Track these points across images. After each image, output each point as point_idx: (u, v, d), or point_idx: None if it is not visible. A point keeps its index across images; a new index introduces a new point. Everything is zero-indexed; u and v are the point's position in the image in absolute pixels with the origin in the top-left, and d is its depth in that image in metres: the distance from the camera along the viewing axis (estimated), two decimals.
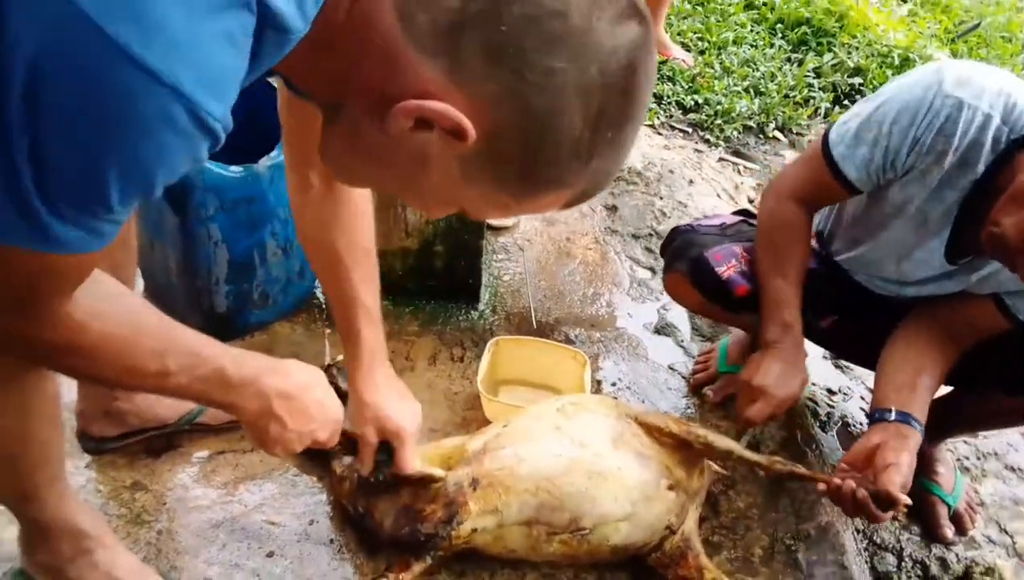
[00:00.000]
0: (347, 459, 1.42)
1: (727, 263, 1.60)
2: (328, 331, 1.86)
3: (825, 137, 1.38)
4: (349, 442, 1.27)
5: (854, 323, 1.65)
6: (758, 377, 1.44)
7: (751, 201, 2.83)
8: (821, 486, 1.36)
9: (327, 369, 1.57)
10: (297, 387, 0.99)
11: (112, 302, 0.80)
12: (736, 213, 1.80)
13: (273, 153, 1.59)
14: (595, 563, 1.40)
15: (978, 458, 1.90)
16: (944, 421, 1.68)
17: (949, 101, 1.24)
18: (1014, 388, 1.44)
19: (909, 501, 1.29)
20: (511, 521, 1.29)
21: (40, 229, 0.60)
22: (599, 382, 1.88)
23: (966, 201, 1.31)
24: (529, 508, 1.29)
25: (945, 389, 1.70)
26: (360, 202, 1.20)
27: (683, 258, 1.64)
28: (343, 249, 1.21)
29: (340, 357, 1.69)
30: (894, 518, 1.34)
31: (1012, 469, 1.88)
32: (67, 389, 1.48)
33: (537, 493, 1.29)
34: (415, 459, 1.29)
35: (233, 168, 1.54)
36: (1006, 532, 1.72)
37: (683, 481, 1.37)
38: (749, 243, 1.62)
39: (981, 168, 1.27)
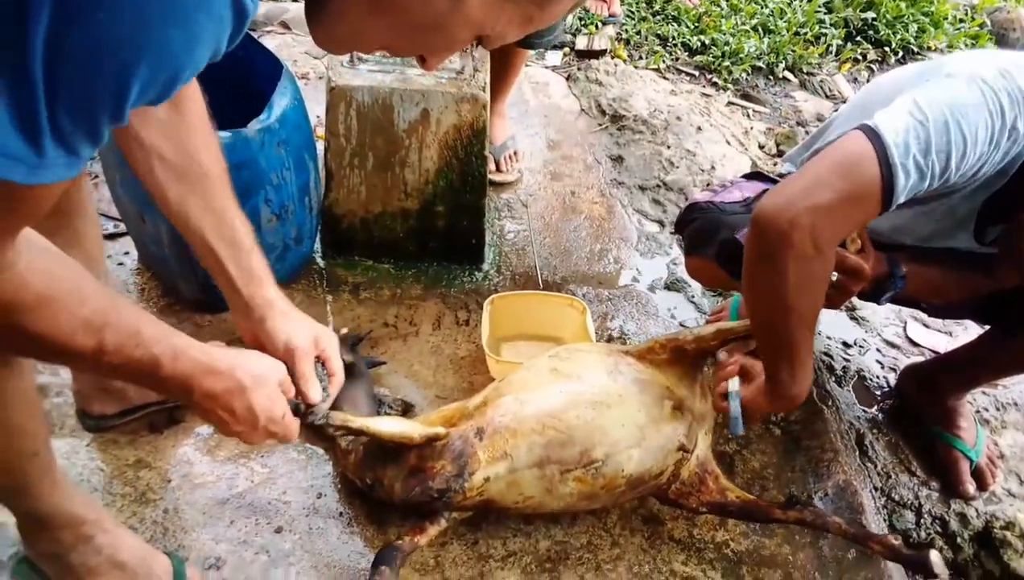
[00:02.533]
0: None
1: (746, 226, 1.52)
2: (330, 298, 1.81)
3: (885, 167, 1.12)
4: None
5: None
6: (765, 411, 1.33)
7: (761, 147, 2.74)
8: None
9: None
10: (226, 391, 0.94)
11: (53, 260, 0.74)
12: (749, 176, 1.71)
13: (262, 116, 1.52)
14: (615, 504, 1.39)
15: (997, 409, 1.85)
16: (976, 365, 1.63)
17: (1008, 136, 1.13)
18: None
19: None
20: (522, 464, 1.27)
21: (36, 147, 0.56)
22: (609, 340, 1.84)
23: (992, 196, 1.25)
24: (539, 447, 1.26)
25: (978, 330, 1.65)
26: (203, 114, 1.08)
27: (711, 242, 1.55)
28: (208, 162, 1.07)
29: (344, 329, 1.65)
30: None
31: None
32: (64, 368, 1.46)
33: (544, 431, 1.27)
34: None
35: (221, 133, 1.46)
36: None
37: (687, 399, 1.36)
38: None
39: (1015, 169, 1.19)
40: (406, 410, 1.58)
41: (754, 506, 1.37)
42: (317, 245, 1.92)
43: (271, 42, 2.74)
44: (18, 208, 0.63)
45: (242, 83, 1.54)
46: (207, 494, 1.40)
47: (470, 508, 1.31)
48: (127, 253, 1.85)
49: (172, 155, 1.04)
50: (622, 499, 1.37)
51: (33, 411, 0.99)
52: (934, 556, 1.25)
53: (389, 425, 1.25)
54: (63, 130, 0.56)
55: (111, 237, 1.87)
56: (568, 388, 1.31)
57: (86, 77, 0.54)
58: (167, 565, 1.22)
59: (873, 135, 1.12)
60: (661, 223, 2.26)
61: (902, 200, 1.14)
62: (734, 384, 1.33)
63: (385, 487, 1.30)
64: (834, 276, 1.27)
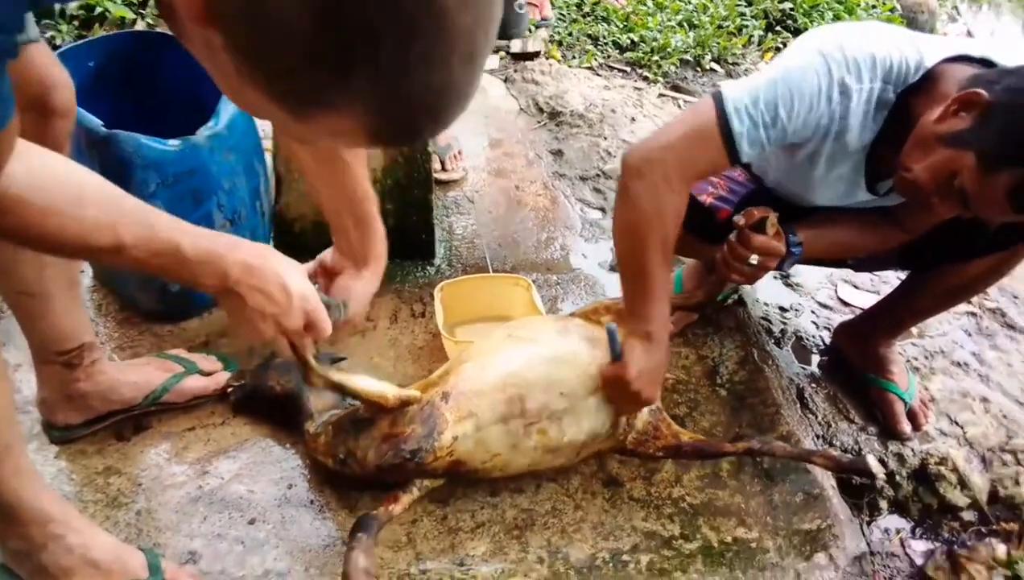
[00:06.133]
0: (321, 418, 1.44)
1: (705, 192, 1.66)
2: None
3: (721, 114, 1.32)
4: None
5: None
6: (638, 377, 1.35)
7: None
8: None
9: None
10: (258, 264, 0.92)
11: (47, 174, 0.77)
12: None
13: (211, 123, 1.56)
14: (578, 458, 1.46)
15: (926, 358, 1.98)
16: (899, 309, 1.76)
17: (839, 91, 1.30)
18: (970, 253, 1.54)
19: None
20: (488, 421, 1.34)
21: None
22: None
23: (872, 149, 1.39)
24: (501, 404, 1.34)
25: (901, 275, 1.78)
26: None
27: None
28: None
29: None
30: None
31: (958, 365, 1.97)
32: (27, 384, 1.47)
33: (506, 389, 1.35)
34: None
35: (171, 141, 1.51)
36: (956, 423, 1.81)
37: None
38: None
39: (879, 124, 1.35)
40: None
41: (705, 444, 1.50)
42: None
43: None
44: None
45: (192, 94, 1.58)
46: (179, 494, 1.42)
47: (441, 471, 1.36)
48: (83, 271, 1.86)
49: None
50: (584, 452, 1.45)
51: (6, 400, 1.00)
52: (871, 459, 1.44)
53: (366, 382, 1.30)
54: None
55: None
56: (524, 350, 1.40)
57: None
58: (142, 560, 1.22)
59: (715, 95, 1.33)
60: (603, 210, 2.35)
61: (746, 147, 1.32)
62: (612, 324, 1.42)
63: (358, 458, 1.35)
64: (754, 258, 1.43)
